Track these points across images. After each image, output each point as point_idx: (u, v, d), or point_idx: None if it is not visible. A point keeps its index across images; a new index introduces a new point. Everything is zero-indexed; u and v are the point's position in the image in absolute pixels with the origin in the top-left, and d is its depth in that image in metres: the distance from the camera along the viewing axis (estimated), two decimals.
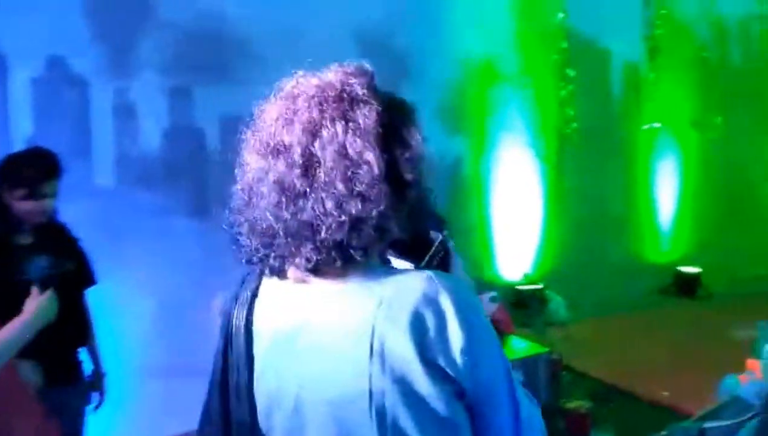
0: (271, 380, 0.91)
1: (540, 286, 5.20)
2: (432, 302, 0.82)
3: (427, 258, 0.98)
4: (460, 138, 5.12)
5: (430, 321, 0.81)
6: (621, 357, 4.17)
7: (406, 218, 0.88)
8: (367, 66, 0.94)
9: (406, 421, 0.81)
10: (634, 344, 4.45)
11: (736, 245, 6.17)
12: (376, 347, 0.81)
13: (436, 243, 1.00)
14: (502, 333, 4.03)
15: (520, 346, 3.72)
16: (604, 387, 3.60)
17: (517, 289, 5.22)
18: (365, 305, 0.84)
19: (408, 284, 0.85)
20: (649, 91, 5.91)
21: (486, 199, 5.27)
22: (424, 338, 0.81)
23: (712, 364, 3.76)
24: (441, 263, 1.00)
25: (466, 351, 0.82)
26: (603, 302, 5.31)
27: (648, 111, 5.92)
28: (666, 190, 6.03)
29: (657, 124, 5.90)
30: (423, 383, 0.81)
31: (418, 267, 0.96)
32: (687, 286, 5.73)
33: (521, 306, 5.13)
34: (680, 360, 4.02)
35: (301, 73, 0.93)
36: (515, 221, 5.34)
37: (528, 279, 5.33)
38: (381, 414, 0.81)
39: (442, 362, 0.81)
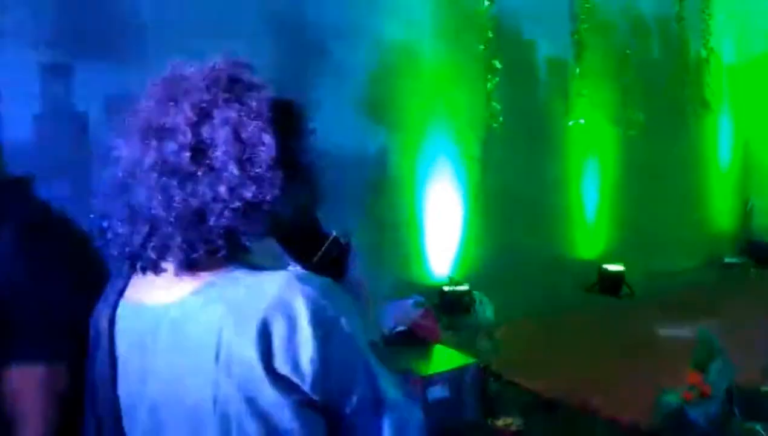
0: (133, 380, 0.89)
1: (466, 287, 4.96)
2: (286, 306, 0.79)
3: (318, 255, 0.94)
4: (383, 130, 4.78)
5: (280, 328, 0.79)
6: (552, 364, 3.97)
7: (299, 207, 0.88)
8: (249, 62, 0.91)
9: (250, 430, 0.79)
10: (563, 349, 4.27)
11: (656, 241, 6.22)
12: (222, 353, 0.80)
13: (329, 240, 0.94)
14: (427, 341, 3.76)
15: (445, 356, 3.44)
16: (535, 398, 3.37)
17: (442, 290, 4.95)
18: (217, 309, 0.82)
19: (264, 287, 0.81)
20: (575, 86, 5.81)
21: (412, 196, 4.96)
22: (271, 345, 0.79)
23: (647, 370, 3.67)
24: (335, 262, 0.94)
25: (315, 360, 0.79)
26: (529, 302, 5.15)
27: (574, 107, 5.82)
28: (590, 187, 5.96)
29: (582, 121, 5.81)
30: (267, 393, 0.79)
31: (306, 265, 0.93)
32: (611, 284, 5.68)
33: (447, 309, 4.87)
34: (613, 367, 3.85)
35: (188, 60, 0.90)
36: (441, 218, 5.07)
37: (453, 280, 5.07)
38: (225, 422, 0.80)
39: (287, 371, 0.79)
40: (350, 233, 0.99)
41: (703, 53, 6.76)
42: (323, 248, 0.94)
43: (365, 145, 4.63)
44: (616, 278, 5.68)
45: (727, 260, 6.80)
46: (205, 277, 0.85)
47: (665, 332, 4.45)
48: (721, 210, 7.05)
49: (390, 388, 0.88)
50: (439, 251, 5.10)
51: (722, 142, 7.03)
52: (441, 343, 3.75)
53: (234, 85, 0.85)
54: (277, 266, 0.90)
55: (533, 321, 4.91)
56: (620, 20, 6.11)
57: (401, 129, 4.87)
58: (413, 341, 3.61)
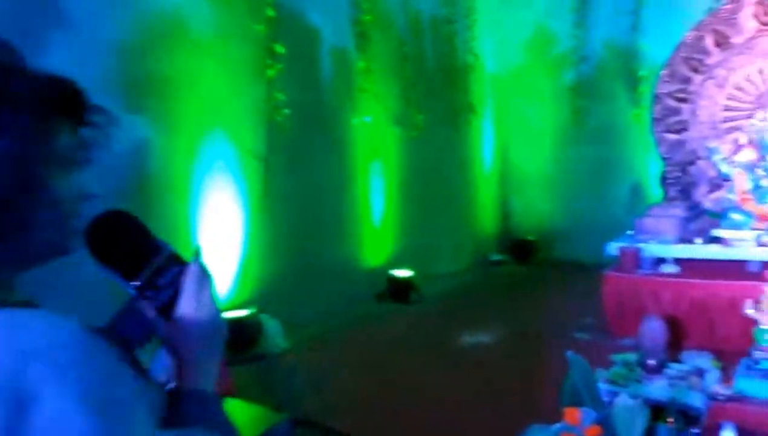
0: None
1: (250, 311, 4.16)
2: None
3: (147, 274, 0.67)
4: (140, 120, 3.70)
5: None
6: (373, 399, 3.42)
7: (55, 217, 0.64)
8: None
9: None
10: (366, 375, 3.77)
11: (434, 244, 6.21)
12: None
13: (164, 255, 0.68)
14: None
15: (244, 417, 2.64)
16: None
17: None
18: None
19: None
20: (359, 81, 5.41)
21: (181, 203, 3.97)
22: None
23: (481, 390, 3.40)
24: (170, 285, 0.68)
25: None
26: (322, 317, 4.61)
27: (359, 103, 5.42)
28: (376, 189, 5.64)
29: (367, 119, 5.45)
30: None
31: (128, 283, 0.67)
32: (401, 290, 5.42)
33: (228, 340, 4.02)
34: (416, 394, 3.46)
35: None
36: (217, 229, 4.19)
37: (234, 302, 4.24)
38: None
39: None
40: (198, 251, 0.71)
41: (469, 59, 6.98)
42: (153, 264, 0.68)
43: (114, 138, 3.52)
44: (406, 284, 5.45)
45: (492, 257, 7.15)
46: None
47: (467, 338, 4.28)
48: (486, 211, 7.41)
49: None
50: (216, 270, 4.21)
51: (486, 145, 7.39)
52: (231, 393, 2.95)
53: None
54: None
55: (330, 340, 4.35)
56: (399, 16, 5.92)
57: (165, 118, 3.86)
58: None
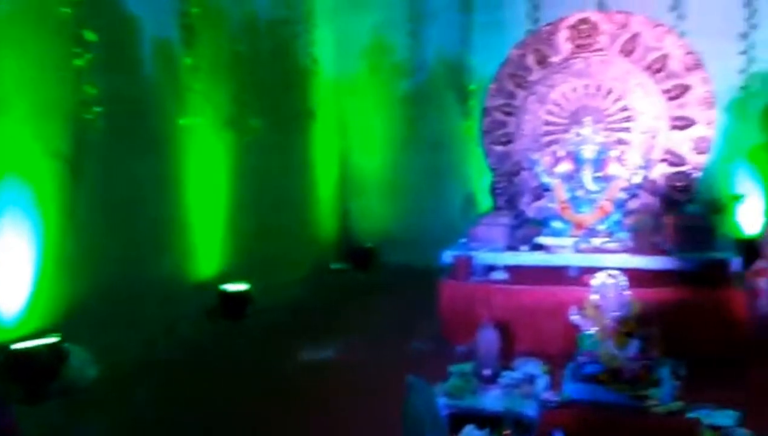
0: None
1: (49, 338, 3.54)
2: None
3: None
4: None
5: None
6: None
7: None
8: None
9: None
10: (191, 410, 3.37)
11: (272, 253, 5.92)
12: None
13: None
14: None
15: None
16: None
17: (10, 349, 3.41)
18: None
19: None
20: (187, 79, 4.95)
21: None
22: None
23: (297, 424, 3.13)
24: None
25: None
26: (139, 342, 4.10)
27: (186, 102, 4.95)
28: (204, 195, 5.20)
29: (195, 121, 5.00)
30: None
31: None
32: (235, 306, 5.04)
33: (20, 373, 3.38)
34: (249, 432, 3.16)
35: None
36: (7, 241, 3.51)
37: (25, 330, 3.57)
38: None
39: None
40: None
41: (308, 63, 6.81)
42: None
43: None
44: (240, 298, 5.08)
45: (332, 266, 7.02)
46: None
47: (304, 356, 4.06)
48: (326, 218, 7.27)
49: None
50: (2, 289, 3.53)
51: (325, 152, 7.25)
52: None
53: None
54: None
55: (151, 369, 3.85)
56: (232, 12, 5.55)
57: None
58: None
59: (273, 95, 6.15)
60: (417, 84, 7.18)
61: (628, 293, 2.83)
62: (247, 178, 5.64)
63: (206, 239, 5.18)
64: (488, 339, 3.06)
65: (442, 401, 2.60)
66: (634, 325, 2.75)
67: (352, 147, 7.52)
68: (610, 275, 2.89)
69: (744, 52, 5.98)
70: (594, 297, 2.90)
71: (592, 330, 2.82)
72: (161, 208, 4.75)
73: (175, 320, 4.58)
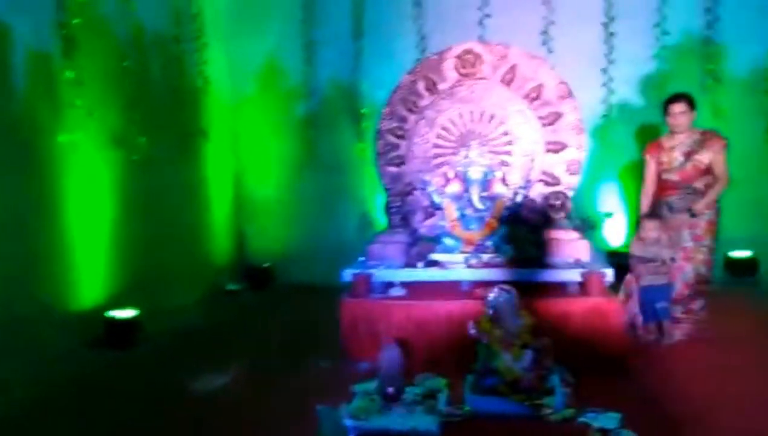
0: None
1: None
2: None
3: None
4: None
5: None
6: None
7: None
8: None
9: None
10: None
11: (163, 277, 5.68)
12: None
13: None
14: None
15: None
16: None
17: None
18: None
19: None
20: (67, 93, 4.65)
21: None
22: None
23: None
24: None
25: None
26: (14, 381, 3.76)
27: (66, 119, 4.64)
28: (90, 218, 4.89)
29: (79, 138, 4.71)
30: None
31: None
32: (122, 334, 4.76)
33: None
34: None
35: None
36: None
37: None
38: None
39: None
40: None
41: (200, 83, 6.65)
42: None
43: None
44: (128, 325, 4.81)
45: (228, 287, 6.85)
46: None
47: (204, 384, 3.91)
48: (221, 239, 7.09)
49: None
50: None
51: (220, 172, 7.09)
52: None
53: None
54: None
55: (16, 413, 3.51)
56: (118, 26, 5.30)
57: None
58: None
59: (163, 113, 5.93)
60: (311, 107, 7.25)
61: (520, 305, 3.05)
62: (134, 198, 5.38)
63: (90, 264, 4.86)
64: (391, 357, 3.16)
65: (348, 423, 2.65)
66: (528, 336, 2.97)
67: (247, 168, 7.43)
68: (502, 289, 3.10)
69: (605, 85, 6.68)
70: (489, 311, 3.10)
71: (489, 343, 3.01)
72: (38, 232, 4.41)
73: (51, 352, 4.24)
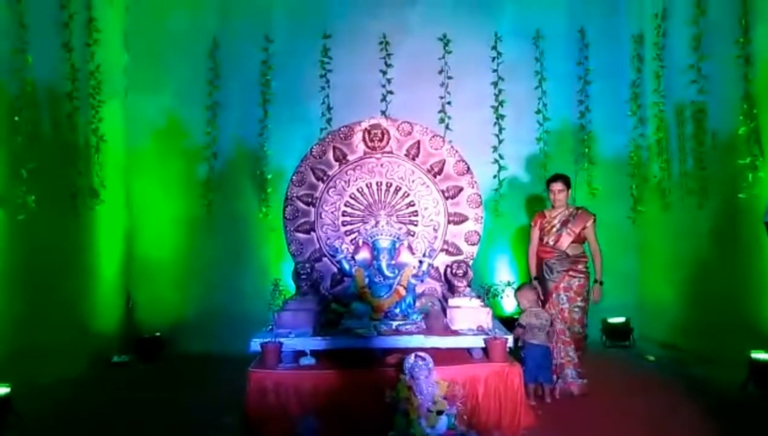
0: None
1: None
2: None
3: None
4: None
5: None
6: None
7: None
8: None
9: None
10: None
11: (45, 348, 5.18)
12: None
13: None
14: None
15: None
16: None
17: None
18: None
19: None
20: None
21: None
22: None
23: None
24: None
25: None
26: None
27: None
28: None
29: None
30: None
31: None
32: None
33: None
34: None
35: None
36: None
37: None
38: None
39: None
40: None
41: (93, 140, 6.36)
42: None
43: None
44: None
45: (114, 359, 6.34)
46: None
47: None
48: (107, 306, 6.60)
49: None
50: None
51: (110, 233, 6.69)
52: None
53: None
54: None
55: None
56: (8, 81, 5.01)
57: None
58: None
59: (53, 171, 5.58)
60: (213, 169, 7.15)
61: (434, 372, 3.16)
62: (14, 260, 4.94)
63: None
64: (308, 429, 3.11)
65: None
66: (442, 403, 3.07)
67: (140, 230, 7.07)
68: (418, 356, 3.20)
69: (495, 161, 7.26)
70: (405, 378, 3.17)
71: (407, 410, 3.07)
72: None
73: None
